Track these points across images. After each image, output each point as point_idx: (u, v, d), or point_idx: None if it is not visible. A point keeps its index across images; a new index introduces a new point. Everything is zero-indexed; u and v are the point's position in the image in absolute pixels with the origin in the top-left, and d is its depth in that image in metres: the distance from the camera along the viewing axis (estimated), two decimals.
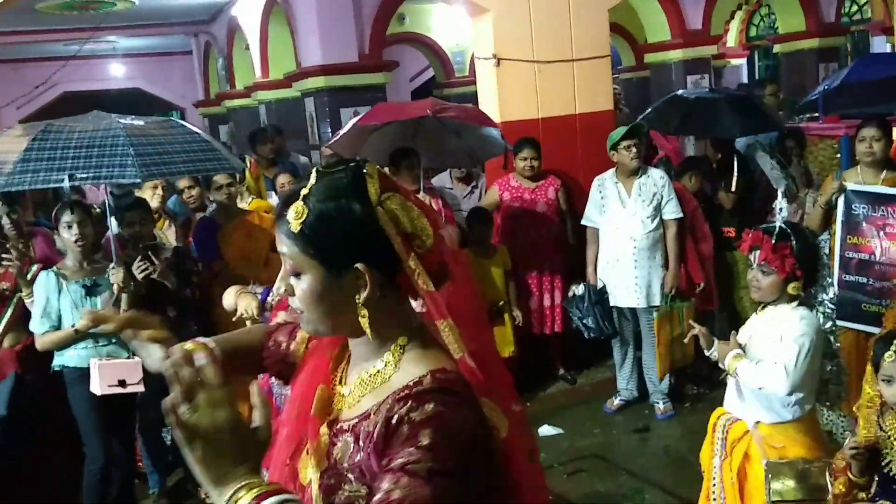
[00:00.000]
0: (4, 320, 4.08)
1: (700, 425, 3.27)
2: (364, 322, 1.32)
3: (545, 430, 5.05)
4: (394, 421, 1.23)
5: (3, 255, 4.11)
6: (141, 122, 4.10)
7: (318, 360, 1.50)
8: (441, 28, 12.61)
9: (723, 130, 5.62)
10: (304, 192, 1.33)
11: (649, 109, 6.16)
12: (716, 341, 2.97)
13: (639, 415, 5.20)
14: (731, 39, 13.67)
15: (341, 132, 5.49)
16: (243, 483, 1.07)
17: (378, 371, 1.36)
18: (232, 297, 3.19)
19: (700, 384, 5.34)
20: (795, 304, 2.83)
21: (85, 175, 3.59)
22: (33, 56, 13.99)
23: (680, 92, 6.28)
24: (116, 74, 15.26)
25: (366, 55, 8.93)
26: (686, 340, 3.07)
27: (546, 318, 5.65)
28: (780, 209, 2.95)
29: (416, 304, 1.41)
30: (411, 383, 1.27)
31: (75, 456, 4.07)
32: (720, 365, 2.93)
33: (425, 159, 5.07)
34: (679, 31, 10.30)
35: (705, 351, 2.96)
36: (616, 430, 5.06)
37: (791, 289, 2.80)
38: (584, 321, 5.19)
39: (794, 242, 2.79)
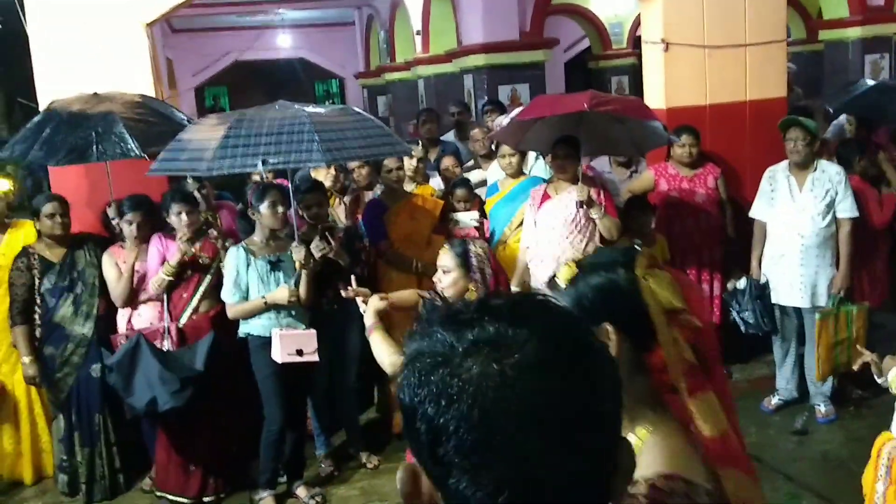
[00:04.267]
0: (203, 287, 4.47)
1: (863, 432, 3.12)
2: None
3: None
4: None
5: (208, 229, 4.52)
6: (322, 110, 4.37)
7: None
8: None
9: None
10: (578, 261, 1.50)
11: (852, 96, 5.81)
12: (887, 359, 2.87)
13: (798, 416, 5.04)
14: None
15: (500, 127, 5.64)
16: None
17: None
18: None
19: (866, 388, 5.07)
20: None
21: (276, 160, 3.87)
22: (208, 27, 14.86)
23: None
24: (282, 45, 15.96)
25: (526, 33, 8.94)
26: (855, 368, 2.97)
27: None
28: None
29: None
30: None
31: (254, 417, 4.43)
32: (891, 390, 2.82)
33: (588, 147, 5.06)
34: (858, 8, 9.64)
35: (877, 378, 2.87)
36: (773, 431, 4.95)
37: None
38: (743, 315, 5.08)
39: None
